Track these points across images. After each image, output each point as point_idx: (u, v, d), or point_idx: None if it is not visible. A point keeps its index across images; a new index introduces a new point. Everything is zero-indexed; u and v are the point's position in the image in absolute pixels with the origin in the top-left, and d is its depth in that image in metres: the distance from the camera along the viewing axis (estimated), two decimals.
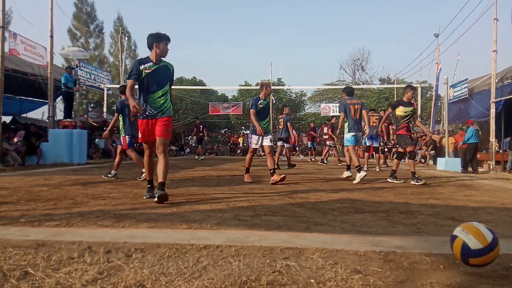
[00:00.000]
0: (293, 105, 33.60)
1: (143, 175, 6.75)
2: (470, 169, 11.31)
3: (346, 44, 73.13)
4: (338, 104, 29.07)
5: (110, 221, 3.07)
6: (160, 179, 4.07)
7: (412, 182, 6.63)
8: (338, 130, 7.98)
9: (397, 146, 6.75)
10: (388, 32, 66.71)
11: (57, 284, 1.70)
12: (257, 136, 6.64)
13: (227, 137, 30.67)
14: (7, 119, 17.51)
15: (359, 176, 6.65)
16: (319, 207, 3.97)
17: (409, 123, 7.15)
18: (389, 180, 7.05)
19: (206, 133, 16.62)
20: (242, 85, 32.55)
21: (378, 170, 10.32)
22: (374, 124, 10.96)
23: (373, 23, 67.66)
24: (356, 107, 7.31)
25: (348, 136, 7.35)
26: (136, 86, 4.32)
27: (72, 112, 13.41)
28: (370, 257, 2.17)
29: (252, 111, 6.63)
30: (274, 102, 29.31)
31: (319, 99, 37.09)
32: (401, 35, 65.88)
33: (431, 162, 14.74)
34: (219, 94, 35.72)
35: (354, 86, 36.96)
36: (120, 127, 6.96)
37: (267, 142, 6.66)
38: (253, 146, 6.75)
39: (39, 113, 20.51)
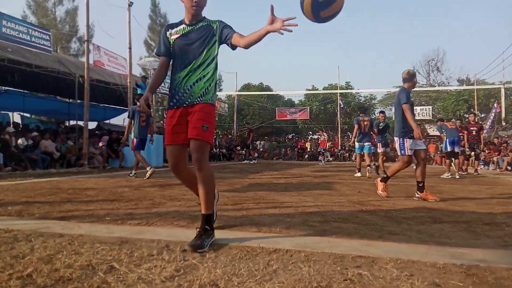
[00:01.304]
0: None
1: (133, 172, 7.91)
2: None
3: (418, 44, 69.52)
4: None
5: (185, 222, 3.23)
6: (202, 210, 2.61)
7: None
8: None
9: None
10: (466, 30, 62.19)
11: (139, 279, 1.83)
12: (412, 140, 5.26)
13: (294, 142, 30.63)
14: (93, 125, 19.19)
15: None
16: (393, 215, 3.80)
17: None
18: None
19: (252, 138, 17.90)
20: (309, 90, 32.33)
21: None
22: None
23: (450, 21, 63.53)
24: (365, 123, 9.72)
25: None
26: None
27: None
28: (450, 270, 2.03)
29: (405, 106, 5.23)
30: (342, 106, 28.73)
31: (390, 102, 35.54)
32: (481, 33, 61.06)
33: None
34: (286, 99, 35.87)
35: (429, 88, 35.08)
36: (132, 130, 7.94)
37: (421, 145, 5.37)
38: (408, 153, 5.27)
39: (121, 120, 22.18)
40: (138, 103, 3.60)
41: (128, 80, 13.54)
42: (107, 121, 21.45)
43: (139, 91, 13.29)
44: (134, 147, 7.87)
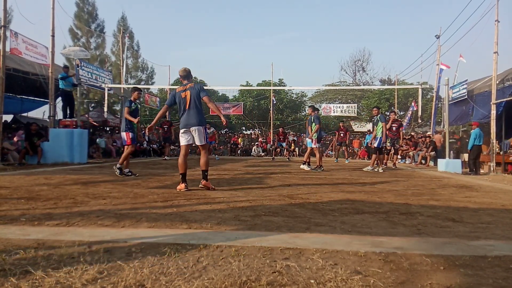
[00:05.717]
0: (293, 105, 33.58)
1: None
2: (467, 169, 11.29)
3: (347, 45, 73.33)
4: (339, 105, 29.15)
5: (110, 221, 3.07)
6: None
7: None
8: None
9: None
10: (389, 33, 66.82)
11: (57, 283, 1.70)
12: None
13: (228, 137, 30.64)
14: (8, 118, 17.53)
15: None
16: (320, 207, 3.96)
17: None
18: None
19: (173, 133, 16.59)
20: (243, 85, 32.52)
21: (381, 170, 10.34)
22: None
23: (374, 24, 67.79)
24: None
25: None
26: None
27: (73, 112, 13.45)
28: (370, 258, 2.17)
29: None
30: (275, 102, 29.33)
31: (320, 99, 37.07)
32: (403, 36, 65.98)
33: (431, 163, 14.73)
34: (220, 94, 35.75)
35: (355, 87, 37.11)
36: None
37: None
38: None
39: (40, 113, 20.50)
40: None
41: (50, 70, 12.58)
42: (24, 114, 19.71)
43: (60, 82, 12.41)
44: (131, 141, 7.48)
